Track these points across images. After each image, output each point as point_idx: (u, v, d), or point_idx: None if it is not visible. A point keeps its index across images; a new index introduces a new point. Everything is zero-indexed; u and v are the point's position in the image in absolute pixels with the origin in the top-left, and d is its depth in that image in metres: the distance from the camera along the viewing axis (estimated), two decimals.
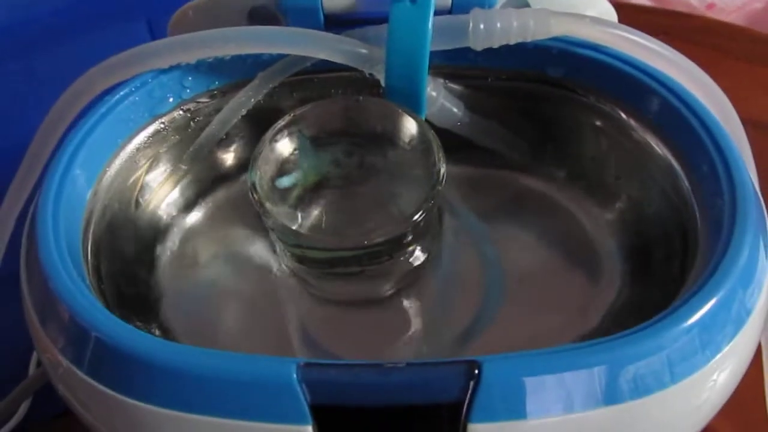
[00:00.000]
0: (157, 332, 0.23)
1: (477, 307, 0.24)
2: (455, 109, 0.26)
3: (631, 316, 0.23)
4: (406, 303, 0.24)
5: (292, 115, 0.24)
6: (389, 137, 0.24)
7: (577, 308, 0.24)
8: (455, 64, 0.26)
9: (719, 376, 0.19)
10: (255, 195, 0.22)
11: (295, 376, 0.17)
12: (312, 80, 0.26)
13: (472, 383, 0.17)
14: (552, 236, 0.26)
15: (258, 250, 0.26)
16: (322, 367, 0.18)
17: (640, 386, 0.18)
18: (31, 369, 0.36)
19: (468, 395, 0.17)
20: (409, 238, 0.22)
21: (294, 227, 0.22)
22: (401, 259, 0.23)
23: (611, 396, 0.17)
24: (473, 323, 0.24)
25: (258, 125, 0.27)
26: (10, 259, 0.25)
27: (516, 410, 0.17)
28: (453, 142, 0.26)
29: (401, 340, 0.24)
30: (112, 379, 0.18)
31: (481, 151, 0.27)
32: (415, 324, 0.24)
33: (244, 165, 0.28)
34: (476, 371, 0.17)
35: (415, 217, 0.22)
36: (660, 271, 0.23)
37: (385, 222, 0.23)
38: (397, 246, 0.22)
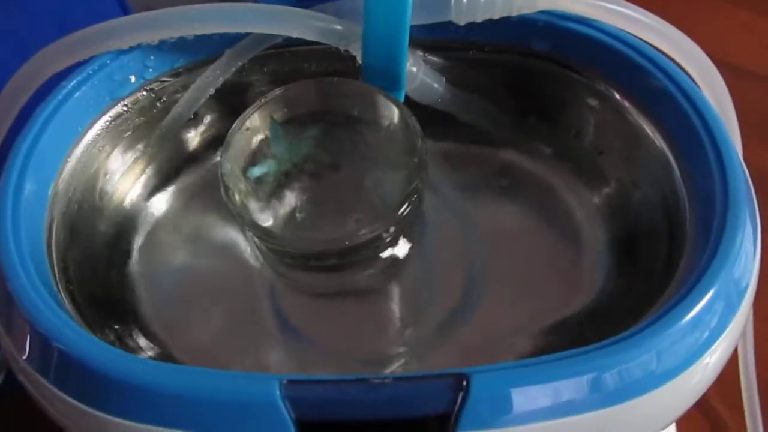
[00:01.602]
0: (137, 334, 0.22)
1: (460, 291, 0.24)
2: (436, 85, 0.25)
3: (616, 302, 0.22)
4: (387, 290, 0.24)
5: (262, 99, 0.22)
6: (366, 121, 0.23)
7: (561, 292, 0.23)
8: (435, 37, 0.24)
9: (712, 359, 0.19)
10: (226, 190, 0.21)
11: (278, 392, 0.17)
12: (283, 54, 0.25)
13: (460, 395, 0.17)
14: (537, 217, 0.25)
15: (232, 236, 0.25)
16: (306, 384, 0.17)
17: (633, 388, 0.17)
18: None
19: (456, 407, 0.17)
20: (393, 230, 0.21)
21: (268, 225, 0.21)
22: (384, 251, 0.22)
23: (602, 401, 0.17)
24: (457, 308, 0.24)
25: (226, 101, 0.26)
26: None
27: (504, 419, 0.17)
28: (434, 117, 0.25)
29: (385, 328, 0.24)
30: (81, 393, 0.18)
31: (463, 126, 0.26)
32: (398, 311, 0.24)
33: (212, 144, 0.27)
34: (464, 383, 0.17)
35: (400, 211, 0.21)
36: (646, 258, 0.22)
37: (366, 215, 0.22)
38: (380, 240, 0.21)
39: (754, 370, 0.30)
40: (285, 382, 0.17)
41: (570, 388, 0.17)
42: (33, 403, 0.20)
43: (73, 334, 0.18)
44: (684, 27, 0.24)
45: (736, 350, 0.30)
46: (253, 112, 0.22)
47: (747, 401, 0.31)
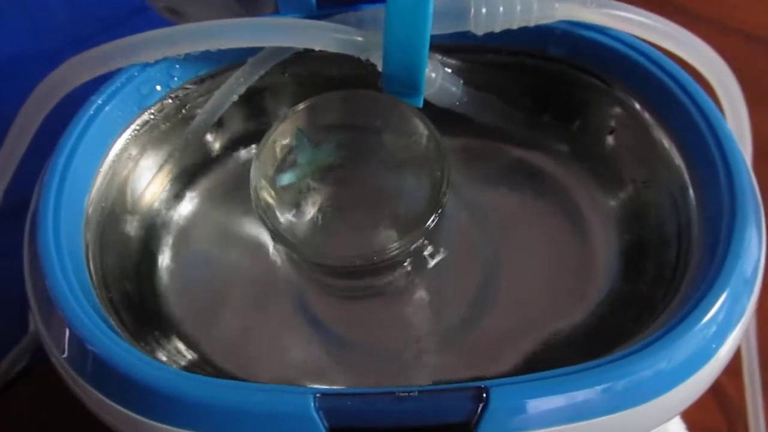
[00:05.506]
0: (172, 337, 0.23)
1: (476, 288, 0.25)
2: (454, 88, 0.25)
3: (623, 305, 0.23)
4: (409, 289, 0.25)
5: (289, 111, 0.23)
6: (390, 133, 0.23)
7: (571, 295, 0.24)
8: (453, 42, 0.25)
9: (722, 353, 0.20)
10: (256, 201, 0.22)
11: (312, 405, 0.18)
12: (304, 58, 0.25)
13: (480, 406, 0.18)
14: (551, 217, 0.26)
15: (258, 237, 0.26)
16: (337, 396, 0.18)
17: (647, 393, 0.19)
18: (32, 323, 0.36)
19: (476, 417, 0.18)
20: (420, 243, 0.22)
21: (295, 238, 0.22)
22: (409, 259, 0.23)
23: (615, 407, 0.18)
24: (473, 307, 0.25)
25: (247, 104, 0.26)
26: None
27: (521, 426, 0.18)
28: (449, 112, 0.25)
29: (407, 324, 0.25)
30: (115, 394, 0.19)
31: (480, 124, 0.27)
32: (419, 308, 0.25)
33: (233, 145, 0.27)
34: (484, 395, 0.18)
35: (427, 224, 0.22)
36: (655, 265, 0.23)
37: (393, 225, 0.23)
38: (406, 252, 0.22)
39: (755, 339, 0.31)
40: (318, 395, 0.18)
41: (584, 397, 0.18)
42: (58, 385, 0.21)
43: (107, 339, 0.19)
44: None
45: None
46: (281, 123, 0.23)
47: (747, 368, 0.32)
